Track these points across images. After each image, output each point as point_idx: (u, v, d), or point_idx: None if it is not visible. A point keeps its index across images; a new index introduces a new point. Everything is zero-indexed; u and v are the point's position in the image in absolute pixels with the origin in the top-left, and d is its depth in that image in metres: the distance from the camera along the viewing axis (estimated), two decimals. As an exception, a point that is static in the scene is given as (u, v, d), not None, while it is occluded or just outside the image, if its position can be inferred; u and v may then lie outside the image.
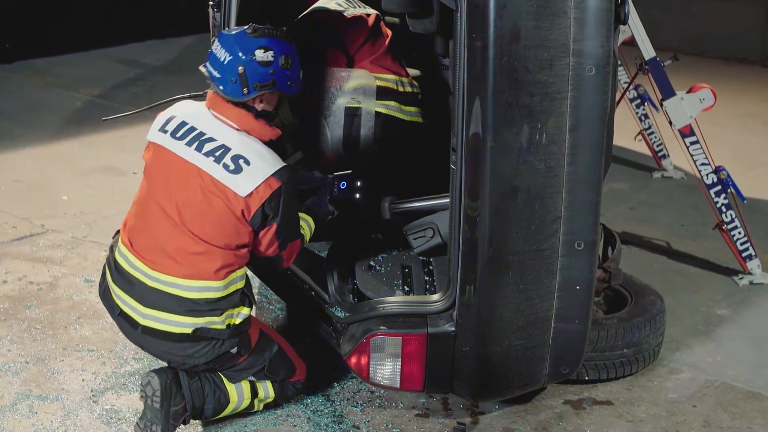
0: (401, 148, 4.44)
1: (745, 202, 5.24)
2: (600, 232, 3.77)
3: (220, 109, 3.61)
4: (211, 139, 3.57)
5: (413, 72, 4.64)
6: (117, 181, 6.33)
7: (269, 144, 3.67)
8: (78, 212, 5.93)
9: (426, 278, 4.06)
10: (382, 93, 4.36)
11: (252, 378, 3.81)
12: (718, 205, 5.16)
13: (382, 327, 3.70)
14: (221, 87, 3.56)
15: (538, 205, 3.44)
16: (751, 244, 5.17)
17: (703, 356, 4.44)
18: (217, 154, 3.53)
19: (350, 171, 4.10)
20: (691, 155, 5.19)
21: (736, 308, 4.91)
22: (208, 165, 3.52)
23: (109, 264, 3.74)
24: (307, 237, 3.89)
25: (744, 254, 5.17)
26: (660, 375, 4.27)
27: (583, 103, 3.37)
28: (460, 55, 3.35)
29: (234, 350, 3.66)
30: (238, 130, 3.60)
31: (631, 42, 5.40)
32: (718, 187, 5.15)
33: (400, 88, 4.43)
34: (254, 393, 3.84)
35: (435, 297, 3.72)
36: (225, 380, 3.77)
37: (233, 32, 3.60)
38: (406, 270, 4.12)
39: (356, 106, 4.32)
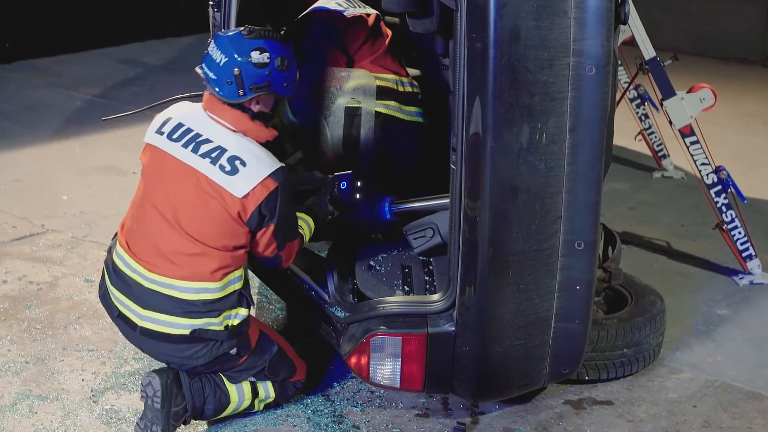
0: (401, 148, 4.44)
1: (746, 202, 5.24)
2: (600, 231, 3.77)
3: (217, 110, 3.61)
4: (207, 141, 3.56)
5: (413, 72, 4.64)
6: (117, 181, 6.32)
7: (266, 145, 3.67)
8: (78, 212, 5.92)
9: (426, 278, 4.06)
10: (382, 93, 4.36)
11: (252, 378, 3.81)
12: (719, 205, 5.16)
13: (382, 327, 3.70)
14: (217, 89, 3.56)
15: (538, 205, 3.44)
16: (752, 244, 5.17)
17: (703, 356, 4.44)
18: (213, 155, 3.53)
19: (350, 171, 4.10)
20: (692, 155, 5.19)
21: (736, 308, 4.91)
22: (204, 166, 3.52)
23: (107, 266, 3.75)
24: (307, 237, 3.89)
25: (744, 254, 5.17)
26: (660, 375, 4.27)
27: (584, 102, 3.37)
28: (460, 54, 3.34)
29: (233, 351, 3.66)
30: (234, 131, 3.60)
31: (632, 42, 5.40)
32: (719, 187, 5.15)
33: (400, 88, 4.43)
34: (255, 393, 3.83)
35: (435, 297, 3.71)
36: (225, 381, 3.77)
37: (229, 34, 3.60)
38: (406, 270, 4.11)
39: (356, 105, 4.32)
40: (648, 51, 5.18)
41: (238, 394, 3.79)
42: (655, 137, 6.64)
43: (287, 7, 4.77)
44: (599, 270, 4.20)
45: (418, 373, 3.70)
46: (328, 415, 3.94)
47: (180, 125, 3.63)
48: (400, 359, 3.69)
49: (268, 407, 3.93)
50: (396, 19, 4.66)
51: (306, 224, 3.90)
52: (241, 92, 3.54)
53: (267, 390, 3.85)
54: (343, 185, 4.06)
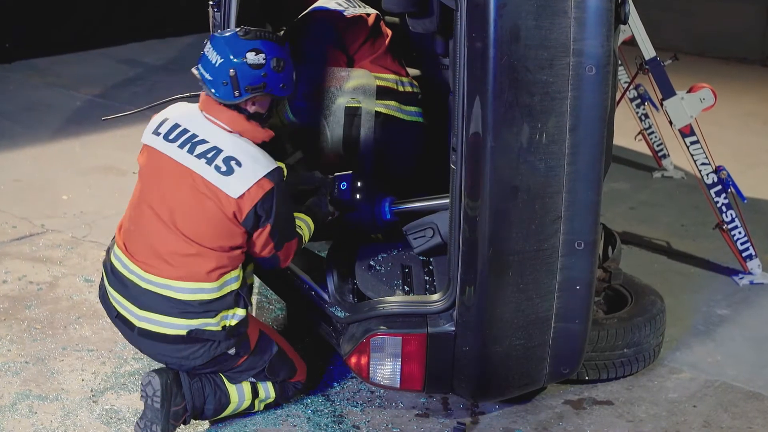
0: (401, 147, 4.43)
1: (746, 201, 5.24)
2: (600, 231, 3.77)
3: (213, 111, 3.61)
4: (203, 141, 3.57)
5: (413, 72, 4.64)
6: (117, 181, 6.32)
7: (264, 145, 3.67)
8: (78, 212, 5.92)
9: (426, 278, 4.06)
10: (382, 93, 4.36)
11: (252, 379, 3.81)
12: (719, 205, 5.16)
13: (382, 327, 3.70)
14: (213, 90, 3.56)
15: (538, 205, 3.44)
16: (752, 244, 5.17)
17: (703, 356, 4.44)
18: (209, 155, 3.53)
19: (350, 171, 4.10)
20: (692, 155, 5.19)
21: (736, 308, 4.91)
22: (200, 167, 3.52)
23: (105, 267, 3.75)
24: (306, 237, 3.89)
25: (744, 254, 5.17)
26: (660, 375, 4.27)
27: (584, 102, 3.37)
28: (460, 54, 3.34)
29: (232, 351, 3.66)
30: (230, 132, 3.60)
31: (632, 41, 5.39)
32: (719, 187, 5.15)
33: (400, 88, 4.43)
34: (255, 393, 3.83)
35: (435, 297, 3.71)
36: (225, 381, 3.77)
37: (225, 35, 3.60)
38: (406, 270, 4.11)
39: (356, 105, 4.32)
40: (648, 51, 5.18)
41: (238, 394, 3.79)
42: (655, 137, 6.63)
43: (287, 7, 4.77)
44: (599, 270, 4.20)
45: (418, 373, 3.70)
46: (328, 415, 3.94)
47: (176, 126, 3.63)
48: (400, 359, 3.69)
49: (268, 407, 3.93)
50: (396, 19, 4.65)
51: (305, 224, 3.90)
52: (236, 93, 3.54)
53: (267, 390, 3.85)
54: (344, 185, 4.06)
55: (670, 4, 9.96)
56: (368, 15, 4.48)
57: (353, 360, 3.74)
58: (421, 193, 4.21)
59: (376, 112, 4.34)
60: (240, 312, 3.65)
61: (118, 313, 3.67)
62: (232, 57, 3.52)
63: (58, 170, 6.63)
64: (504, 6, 3.23)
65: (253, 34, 3.56)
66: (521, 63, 3.28)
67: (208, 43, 3.60)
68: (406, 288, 4.00)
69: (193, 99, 3.83)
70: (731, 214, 5.14)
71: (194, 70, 3.62)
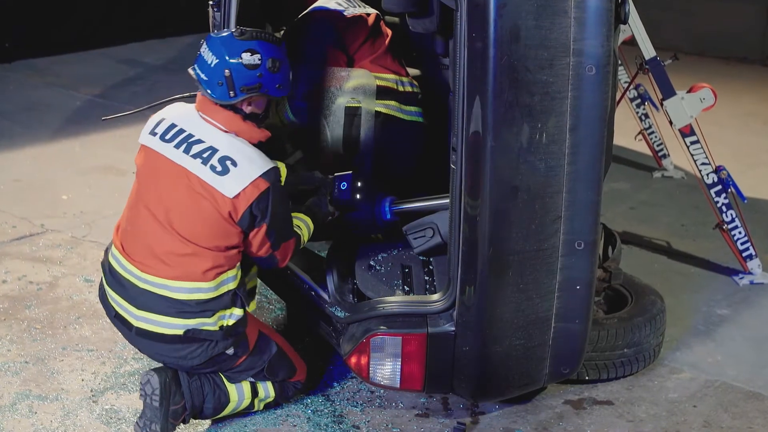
0: (401, 147, 4.43)
1: (746, 201, 5.24)
2: (600, 231, 3.76)
3: (209, 111, 3.61)
4: (199, 141, 3.57)
5: (413, 71, 4.64)
6: (117, 181, 6.32)
7: (264, 145, 3.67)
8: (78, 212, 5.92)
9: (426, 278, 4.06)
10: (382, 92, 4.36)
11: (252, 378, 3.81)
12: (719, 205, 5.16)
13: (382, 327, 3.70)
14: (208, 90, 3.57)
15: (538, 205, 3.44)
16: (752, 244, 5.17)
17: (703, 356, 4.44)
18: (204, 155, 3.53)
19: (350, 171, 4.10)
20: (692, 155, 5.19)
21: (736, 308, 4.90)
22: (195, 167, 3.52)
23: (103, 267, 3.76)
24: (305, 237, 3.88)
25: (744, 254, 5.17)
26: (660, 375, 4.26)
27: (584, 102, 3.37)
28: (460, 54, 3.34)
29: (230, 351, 3.65)
30: (226, 132, 3.60)
31: (632, 41, 5.39)
32: (719, 187, 5.15)
33: (400, 88, 4.43)
34: (254, 393, 3.83)
35: (435, 297, 3.71)
36: (225, 380, 3.77)
37: (220, 35, 3.60)
38: (406, 270, 4.11)
39: (356, 105, 4.32)
40: (648, 51, 5.18)
41: (238, 393, 3.79)
42: (656, 137, 6.63)
43: (287, 7, 4.77)
44: (599, 270, 4.20)
45: (418, 373, 3.70)
46: (328, 415, 3.93)
47: (173, 126, 3.64)
48: (400, 359, 3.68)
49: (268, 407, 3.93)
50: (396, 19, 4.65)
51: (304, 224, 3.90)
52: (231, 93, 3.54)
53: (267, 390, 3.85)
54: (344, 185, 4.05)
55: (670, 3, 9.96)
56: (368, 15, 4.48)
57: (353, 360, 3.73)
58: (421, 193, 4.21)
59: (376, 112, 4.34)
60: (237, 312, 3.65)
61: (117, 312, 3.67)
62: (227, 57, 3.52)
63: (57, 170, 6.63)
64: (504, 6, 3.23)
65: (249, 35, 3.56)
66: (521, 63, 3.28)
67: (204, 43, 3.60)
68: (406, 288, 3.99)
69: (193, 99, 3.83)
70: (731, 214, 5.14)
71: (190, 71, 3.63)
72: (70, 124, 7.61)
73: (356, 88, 4.32)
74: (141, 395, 3.65)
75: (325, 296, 3.95)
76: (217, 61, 3.53)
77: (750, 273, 5.18)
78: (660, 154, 6.69)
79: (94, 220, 5.78)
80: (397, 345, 3.67)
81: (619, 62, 5.76)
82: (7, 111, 7.84)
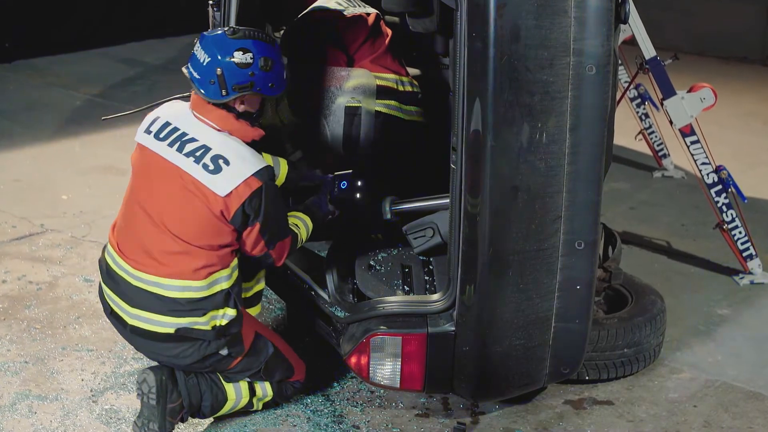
0: (401, 147, 4.43)
1: (746, 201, 5.23)
2: (600, 231, 3.76)
3: (202, 110, 3.61)
4: (192, 140, 3.57)
5: (413, 71, 4.63)
6: (116, 181, 6.32)
7: (264, 144, 3.66)
8: (77, 212, 5.92)
9: (426, 278, 4.06)
10: (382, 92, 4.36)
11: (249, 378, 3.80)
12: (719, 205, 5.16)
13: (382, 327, 3.69)
14: (201, 89, 3.57)
15: (538, 205, 3.43)
16: (752, 244, 5.16)
17: (703, 356, 4.43)
18: (197, 154, 3.53)
19: (351, 171, 4.09)
20: (692, 154, 5.18)
21: (736, 308, 4.90)
22: (188, 165, 3.52)
23: (100, 264, 3.77)
24: (304, 236, 3.88)
25: (744, 254, 5.16)
26: (660, 375, 4.26)
27: (584, 102, 3.37)
28: (460, 54, 3.34)
29: (224, 352, 3.65)
30: (219, 130, 3.60)
31: (632, 41, 5.39)
32: (719, 187, 5.14)
33: (400, 88, 4.43)
34: (252, 392, 3.83)
35: (435, 297, 3.71)
36: (222, 378, 3.76)
37: (213, 34, 3.60)
38: (406, 270, 4.11)
39: (356, 105, 4.32)
40: (648, 50, 5.17)
41: (235, 391, 3.79)
42: (656, 137, 6.63)
43: (287, 7, 4.77)
44: (599, 270, 4.20)
45: (418, 373, 3.70)
46: (328, 415, 3.93)
47: (167, 124, 3.64)
48: (400, 359, 3.68)
49: (268, 407, 3.92)
50: (396, 19, 4.65)
51: (303, 223, 3.89)
52: (224, 92, 3.54)
53: (264, 389, 3.85)
54: (344, 185, 4.05)
55: (670, 3, 9.96)
56: (368, 14, 4.47)
57: (353, 360, 3.73)
58: (421, 193, 4.21)
59: (376, 111, 4.33)
60: (230, 312, 3.63)
61: (112, 310, 3.69)
62: (219, 56, 3.52)
63: (57, 170, 6.62)
64: (504, 5, 3.22)
65: (241, 34, 3.56)
66: (521, 62, 3.28)
67: (198, 42, 3.60)
68: (406, 288, 3.99)
69: (188, 99, 3.83)
70: (731, 214, 5.14)
71: (184, 69, 3.63)
72: (70, 123, 7.61)
73: (356, 88, 4.32)
74: (138, 394, 3.65)
75: (325, 296, 3.95)
76: (209, 59, 3.53)
77: (750, 273, 5.18)
78: (660, 153, 6.69)
79: (93, 220, 5.78)
80: (397, 345, 3.67)
81: (620, 62, 5.76)
82: (7, 111, 7.84)
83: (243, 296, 3.91)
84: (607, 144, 3.53)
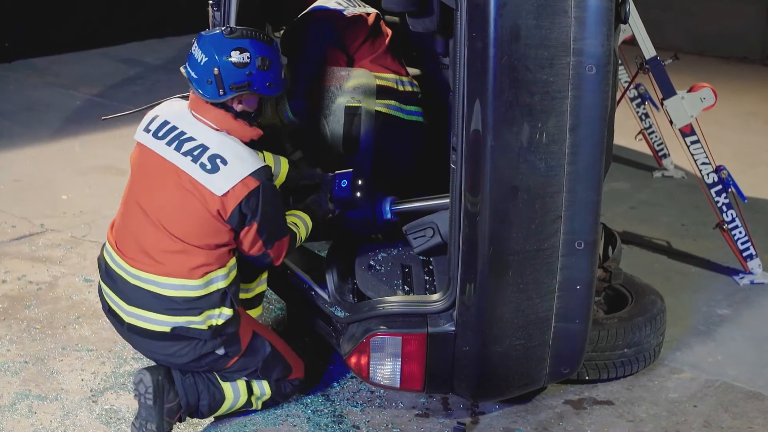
0: (401, 147, 4.43)
1: (746, 201, 5.23)
2: (600, 231, 3.76)
3: (200, 109, 3.61)
4: (190, 139, 3.57)
5: (413, 71, 4.63)
6: (116, 181, 6.31)
7: (263, 144, 3.66)
8: (77, 211, 5.92)
9: (426, 278, 4.06)
10: (382, 92, 4.36)
11: (246, 377, 3.80)
12: (719, 205, 5.16)
13: (382, 327, 3.69)
14: (199, 88, 3.57)
15: (538, 205, 3.43)
16: (752, 244, 5.16)
17: (703, 356, 4.43)
18: (195, 153, 3.53)
19: (351, 169, 4.09)
20: (692, 154, 5.18)
21: (736, 308, 4.90)
22: (185, 164, 3.53)
23: (99, 262, 3.78)
24: (303, 235, 3.88)
25: (745, 254, 5.16)
26: (661, 375, 4.26)
27: (584, 102, 3.37)
28: (461, 54, 3.34)
29: (220, 352, 3.65)
30: (217, 130, 3.60)
31: (632, 41, 5.39)
32: (719, 187, 5.14)
33: (400, 87, 4.43)
34: (250, 391, 3.83)
35: (435, 297, 3.71)
36: (219, 378, 3.76)
37: (210, 34, 3.60)
38: (406, 270, 4.11)
39: (356, 105, 4.32)
40: (648, 50, 5.17)
41: (233, 391, 3.78)
42: (656, 137, 6.63)
43: (287, 7, 4.77)
44: (599, 269, 4.19)
45: (418, 373, 3.70)
46: (328, 415, 3.93)
47: (165, 123, 3.65)
48: (400, 359, 3.68)
49: (267, 406, 3.92)
50: (396, 18, 4.65)
51: (302, 222, 3.89)
52: (221, 92, 3.54)
53: (262, 388, 3.84)
54: (344, 183, 4.05)
55: (670, 3, 9.96)
56: (368, 14, 4.47)
57: (353, 360, 3.73)
58: (421, 193, 4.21)
59: (376, 111, 4.33)
60: (227, 312, 3.63)
61: (110, 307, 3.70)
62: (216, 56, 3.52)
63: (57, 170, 6.62)
64: (504, 5, 3.22)
65: (238, 33, 3.56)
66: (521, 62, 3.28)
67: (195, 42, 3.60)
68: (406, 288, 3.99)
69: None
70: (732, 214, 5.14)
71: (182, 69, 3.64)
72: (69, 123, 7.60)
73: (356, 88, 4.32)
74: (135, 395, 3.66)
75: (325, 296, 3.95)
76: (207, 59, 3.53)
77: (750, 273, 5.17)
78: (660, 153, 6.69)
79: (93, 220, 5.78)
80: (397, 345, 3.67)
81: (620, 62, 5.76)
82: (7, 111, 7.84)
83: (244, 297, 3.91)
84: (607, 144, 3.53)
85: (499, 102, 3.29)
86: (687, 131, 5.17)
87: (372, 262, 4.14)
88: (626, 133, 6.44)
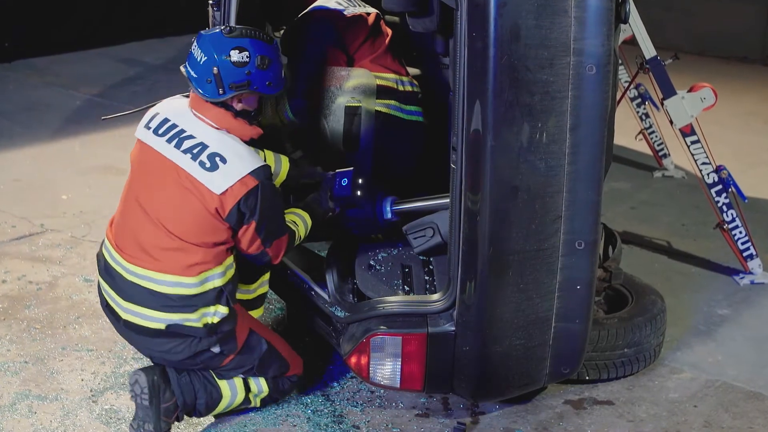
0: (401, 147, 4.43)
1: (746, 201, 5.23)
2: (600, 231, 3.76)
3: (201, 108, 3.62)
4: (190, 137, 3.58)
5: (413, 71, 4.63)
6: (116, 181, 6.30)
7: (263, 143, 3.66)
8: (77, 211, 5.92)
9: (426, 278, 4.05)
10: (382, 92, 4.36)
11: (243, 375, 3.80)
12: (719, 205, 5.16)
13: (382, 327, 3.69)
14: (199, 88, 3.57)
15: (538, 205, 3.43)
16: (752, 244, 5.16)
17: (704, 356, 4.43)
18: (194, 151, 3.54)
19: (352, 168, 4.09)
20: (692, 154, 5.18)
21: (737, 308, 4.90)
22: (185, 162, 3.53)
23: (98, 259, 3.79)
24: (302, 233, 3.88)
25: (745, 254, 5.16)
26: (661, 375, 4.26)
27: (584, 102, 3.36)
28: (461, 53, 3.34)
29: (216, 350, 3.64)
30: (217, 128, 3.60)
31: (632, 41, 5.39)
32: (719, 187, 5.14)
33: (400, 87, 4.43)
34: (247, 388, 3.82)
35: (435, 297, 3.71)
36: (215, 376, 3.76)
37: (210, 33, 3.60)
38: (406, 270, 4.11)
39: (356, 105, 4.32)
40: (649, 50, 5.17)
41: (230, 388, 3.78)
42: (656, 136, 6.63)
43: (287, 7, 4.77)
44: (600, 269, 4.19)
45: (418, 373, 3.70)
46: (328, 415, 3.93)
47: (166, 120, 3.65)
48: (400, 359, 3.68)
49: (266, 403, 3.92)
50: (396, 18, 4.65)
51: (302, 220, 3.89)
52: (220, 91, 3.54)
53: (260, 385, 3.84)
54: (344, 182, 4.05)
55: (670, 3, 9.96)
56: (368, 14, 4.47)
57: (353, 360, 3.73)
58: (421, 193, 4.21)
59: (376, 111, 4.33)
60: (222, 309, 3.63)
61: (107, 303, 3.71)
62: (215, 55, 3.53)
63: (57, 170, 6.62)
64: (504, 5, 3.22)
65: (238, 32, 3.56)
66: (521, 62, 3.27)
67: (195, 41, 3.61)
68: (406, 288, 3.99)
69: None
70: (732, 214, 5.14)
71: (182, 68, 3.64)
72: (69, 123, 7.60)
73: (356, 88, 4.32)
74: (131, 395, 3.66)
75: (325, 296, 3.95)
76: (206, 58, 3.53)
77: (750, 273, 5.17)
78: (660, 153, 6.69)
79: (93, 220, 5.78)
80: (397, 345, 3.67)
81: (620, 62, 5.75)
82: (7, 111, 7.84)
83: (246, 299, 3.92)
84: (607, 144, 3.52)
85: (499, 102, 3.29)
86: (687, 131, 5.17)
87: (372, 262, 4.14)
88: (626, 133, 6.44)
